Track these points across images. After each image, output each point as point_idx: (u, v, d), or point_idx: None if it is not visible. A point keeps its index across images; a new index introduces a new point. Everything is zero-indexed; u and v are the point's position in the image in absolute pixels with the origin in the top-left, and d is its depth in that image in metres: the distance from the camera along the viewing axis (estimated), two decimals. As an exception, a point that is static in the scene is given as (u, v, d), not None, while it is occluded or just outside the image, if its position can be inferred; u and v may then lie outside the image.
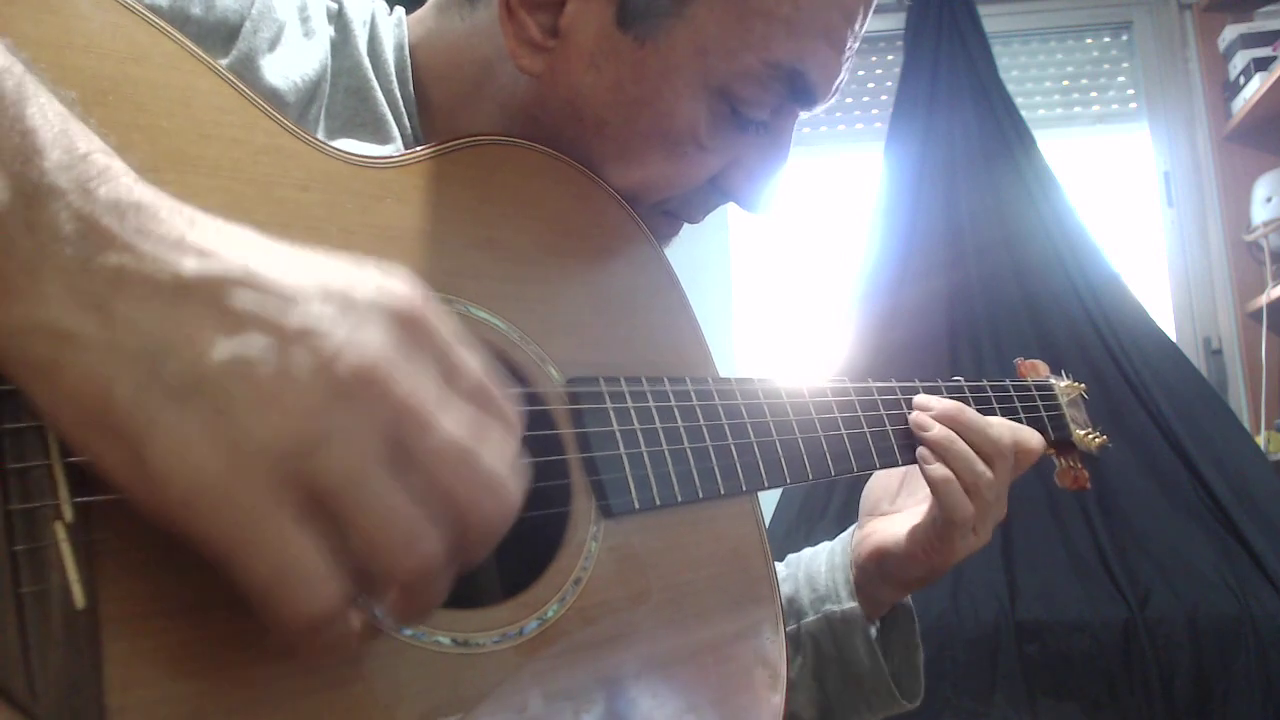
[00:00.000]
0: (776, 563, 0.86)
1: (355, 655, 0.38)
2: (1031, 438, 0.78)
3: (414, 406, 0.33)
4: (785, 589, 0.83)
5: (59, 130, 0.33)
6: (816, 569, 0.84)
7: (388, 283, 0.35)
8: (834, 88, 0.64)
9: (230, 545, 0.31)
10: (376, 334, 0.33)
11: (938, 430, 0.72)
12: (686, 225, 0.72)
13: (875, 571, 0.80)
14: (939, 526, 0.73)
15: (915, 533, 0.75)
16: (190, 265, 0.32)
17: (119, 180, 0.33)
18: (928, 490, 0.73)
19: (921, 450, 0.73)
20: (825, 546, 0.86)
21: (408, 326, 0.34)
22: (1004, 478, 0.74)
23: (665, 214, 0.68)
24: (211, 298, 0.31)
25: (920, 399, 0.75)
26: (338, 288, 0.34)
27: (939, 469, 0.71)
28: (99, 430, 0.31)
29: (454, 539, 0.35)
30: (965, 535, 0.72)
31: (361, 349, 0.32)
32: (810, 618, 0.81)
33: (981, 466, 0.72)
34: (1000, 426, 0.75)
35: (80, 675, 0.34)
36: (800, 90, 0.62)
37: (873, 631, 0.80)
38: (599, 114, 0.62)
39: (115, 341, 0.31)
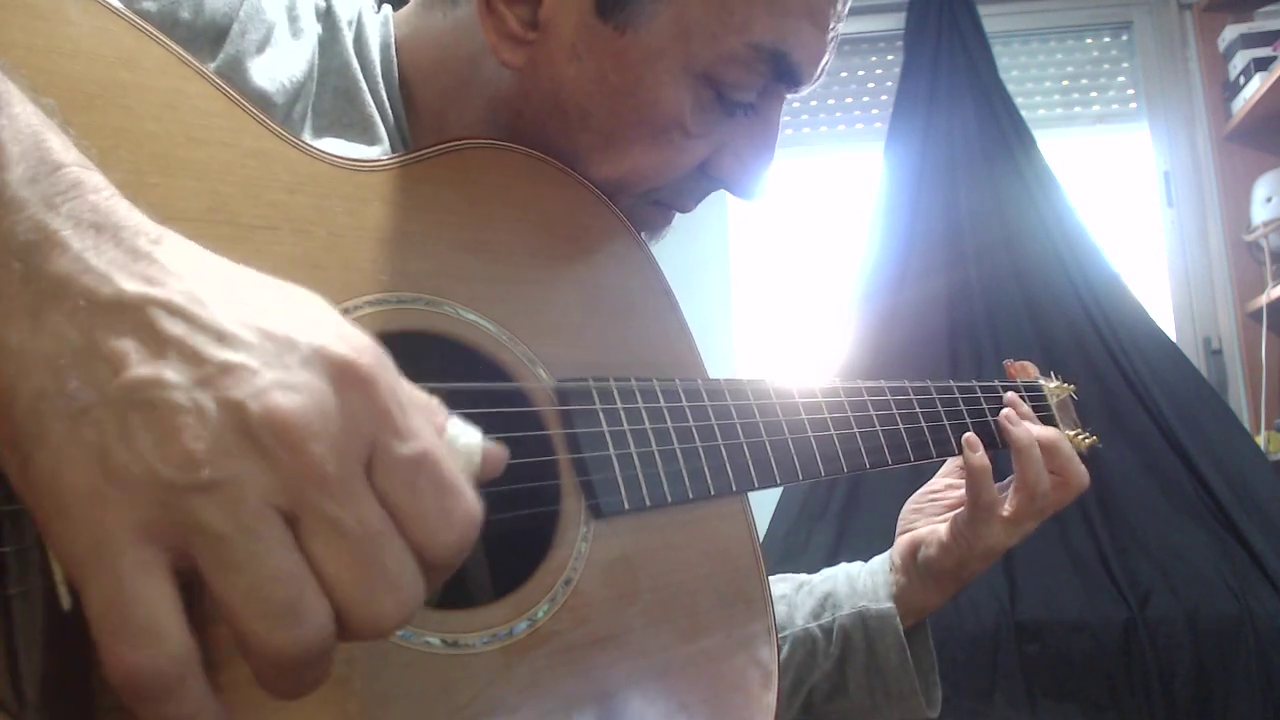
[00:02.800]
0: (796, 574, 0.93)
1: None
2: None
3: (325, 471, 0.30)
4: (824, 586, 0.90)
5: (30, 143, 0.32)
6: (856, 572, 0.90)
7: (341, 334, 0.32)
8: (819, 68, 0.65)
9: (73, 570, 0.29)
10: (308, 384, 0.30)
11: (1021, 430, 0.82)
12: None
13: (910, 566, 0.85)
14: (968, 511, 0.81)
15: (953, 522, 0.83)
16: (132, 285, 0.30)
17: (87, 196, 0.32)
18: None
19: (969, 437, 0.80)
20: (865, 562, 0.93)
21: (349, 382, 0.31)
22: (1060, 497, 0.82)
23: (655, 204, 0.68)
24: (142, 319, 0.30)
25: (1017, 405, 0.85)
26: (282, 330, 0.31)
27: (978, 458, 0.80)
28: (2, 436, 0.30)
29: (339, 625, 0.31)
30: (988, 522, 0.80)
31: (284, 397, 0.30)
32: (845, 611, 0.86)
33: (1046, 474, 0.81)
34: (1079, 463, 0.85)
35: (68, 677, 0.34)
36: (785, 71, 0.62)
37: None
38: (582, 105, 0.61)
39: (34, 349, 0.29)
